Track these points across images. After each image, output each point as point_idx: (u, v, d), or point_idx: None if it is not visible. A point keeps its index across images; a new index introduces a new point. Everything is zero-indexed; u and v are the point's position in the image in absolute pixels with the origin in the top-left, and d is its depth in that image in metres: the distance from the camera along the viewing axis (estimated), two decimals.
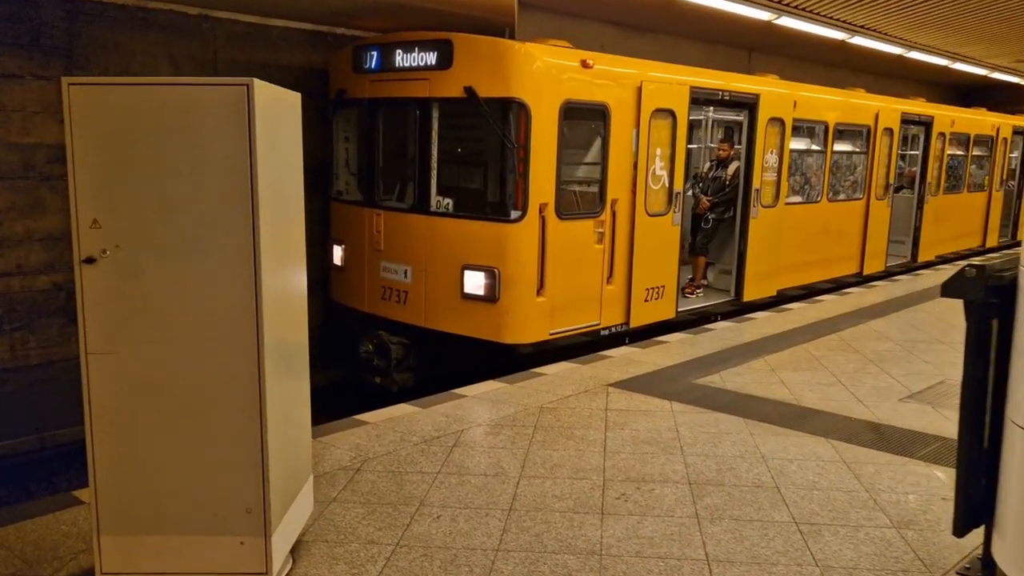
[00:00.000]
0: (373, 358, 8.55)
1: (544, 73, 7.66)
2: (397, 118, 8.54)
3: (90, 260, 3.19)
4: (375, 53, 8.54)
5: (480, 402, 6.45)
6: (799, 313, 10.45)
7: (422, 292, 8.29)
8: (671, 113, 8.89)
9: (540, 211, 7.72)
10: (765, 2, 11.12)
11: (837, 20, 12.45)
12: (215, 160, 3.12)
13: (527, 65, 7.56)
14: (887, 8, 11.98)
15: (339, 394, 9.72)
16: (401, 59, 8.21)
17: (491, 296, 7.79)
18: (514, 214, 7.71)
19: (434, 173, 8.15)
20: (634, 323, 8.89)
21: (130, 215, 3.18)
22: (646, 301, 9.02)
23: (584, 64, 7.91)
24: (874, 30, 13.51)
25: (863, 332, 9.41)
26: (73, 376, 7.46)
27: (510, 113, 7.57)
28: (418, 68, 8.09)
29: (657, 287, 9.12)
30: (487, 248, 7.80)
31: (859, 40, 13.90)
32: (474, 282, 7.87)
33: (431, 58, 7.95)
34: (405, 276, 8.41)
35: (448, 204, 8.12)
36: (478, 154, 8.08)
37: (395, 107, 8.48)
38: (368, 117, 8.73)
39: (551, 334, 8.08)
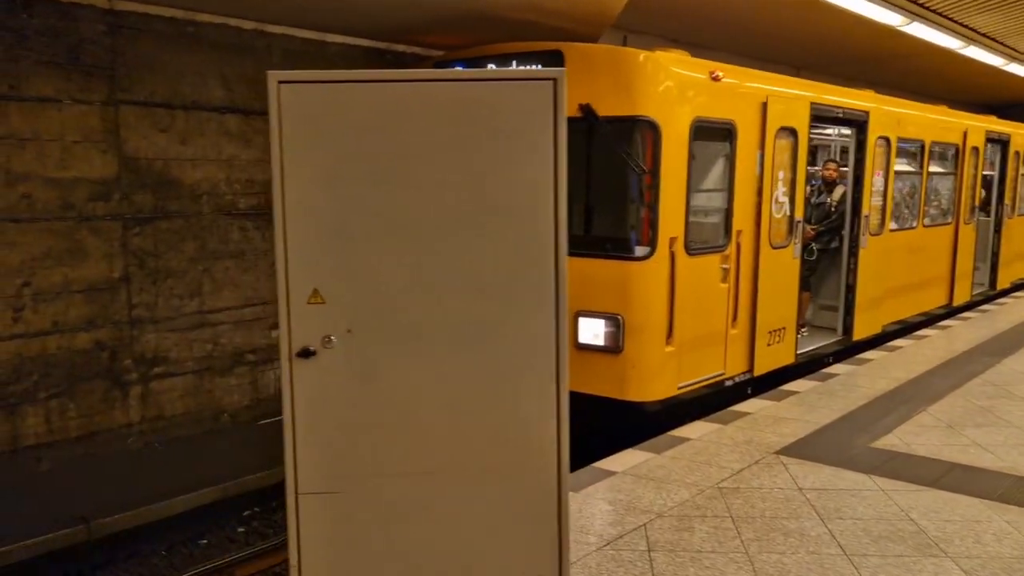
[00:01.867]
0: None
1: (674, 87, 6.62)
2: None
3: (306, 353, 2.08)
4: (460, 66, 7.48)
5: (638, 481, 5.31)
6: (914, 352, 9.40)
7: None
8: (793, 132, 7.88)
9: (669, 246, 6.65)
10: None
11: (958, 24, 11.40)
12: (522, 180, 2.06)
13: (655, 78, 6.52)
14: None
15: None
16: None
17: (614, 346, 6.68)
18: (641, 251, 6.63)
19: None
20: (758, 371, 7.80)
21: (375, 278, 2.09)
22: (768, 345, 7.94)
23: (713, 76, 6.88)
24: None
25: (1005, 374, 8.36)
26: (118, 449, 6.24)
27: (636, 134, 6.51)
28: None
29: (779, 329, 8.04)
30: (608, 291, 6.70)
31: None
32: (592, 331, 6.76)
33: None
34: None
35: None
36: (594, 182, 7.02)
37: None
38: None
39: (679, 388, 6.96)
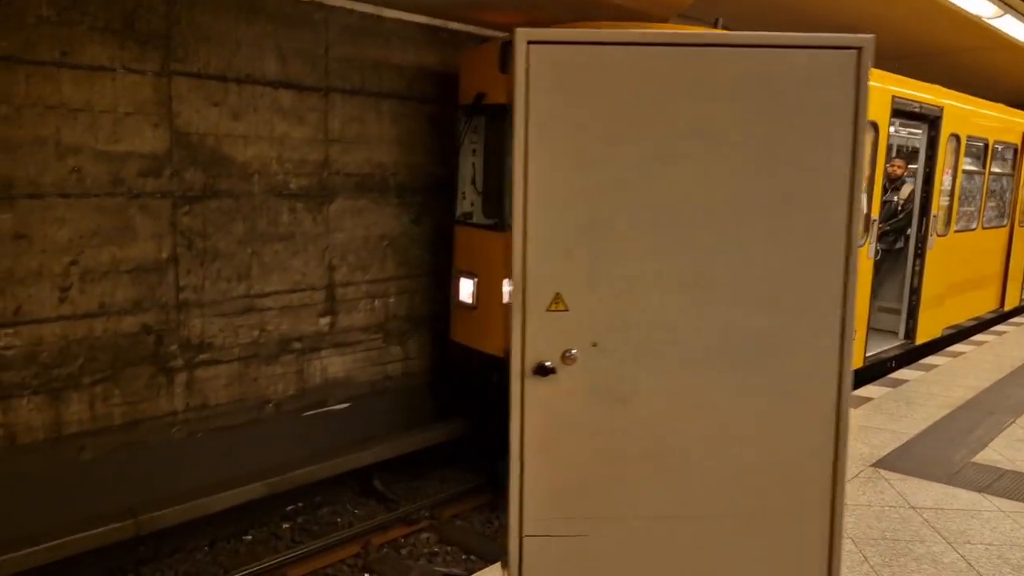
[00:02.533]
0: None
1: None
2: None
3: (543, 370, 1.72)
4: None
5: None
6: (978, 358, 9.06)
7: None
8: (875, 126, 7.50)
9: None
10: None
11: None
12: (813, 167, 1.70)
13: None
14: None
15: (466, 449, 8.24)
16: None
17: None
18: None
19: None
20: None
21: (630, 281, 1.72)
22: None
23: None
24: None
25: None
26: (161, 439, 5.89)
27: None
28: None
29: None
30: None
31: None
32: None
33: None
34: None
35: None
36: None
37: None
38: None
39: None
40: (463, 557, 6.87)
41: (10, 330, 5.89)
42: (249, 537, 7.00)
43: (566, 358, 1.91)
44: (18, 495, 5.86)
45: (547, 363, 1.89)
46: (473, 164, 8.05)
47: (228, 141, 7.04)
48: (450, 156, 8.70)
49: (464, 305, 7.84)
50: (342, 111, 7.89)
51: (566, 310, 1.91)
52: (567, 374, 1.87)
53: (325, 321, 7.93)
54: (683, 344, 1.89)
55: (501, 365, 7.30)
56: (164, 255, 6.69)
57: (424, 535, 7.19)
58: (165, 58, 6.55)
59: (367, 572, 6.57)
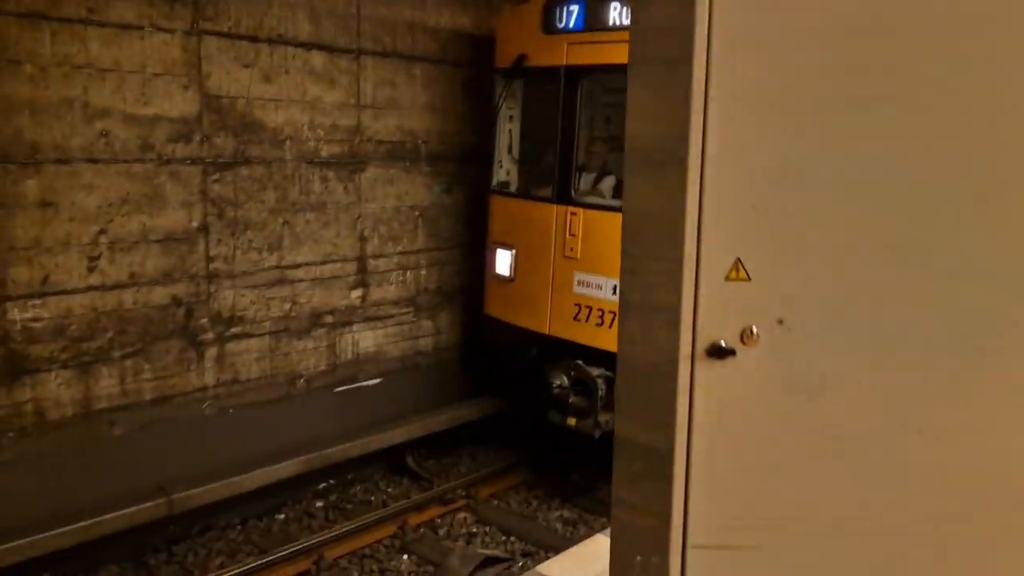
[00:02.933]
0: (569, 394, 6.80)
1: None
2: (613, 91, 6.76)
3: (720, 351, 1.45)
4: (578, 8, 6.74)
5: None
6: None
7: None
8: None
9: None
10: None
11: None
12: None
13: None
14: None
15: (498, 429, 8.02)
16: (626, 15, 6.42)
17: None
18: None
19: None
20: None
21: (827, 246, 1.43)
22: None
23: None
24: None
25: None
26: (192, 414, 5.67)
27: None
28: None
29: None
30: None
31: None
32: None
33: None
34: (614, 293, 6.65)
35: None
36: None
37: (610, 76, 6.68)
38: (566, 90, 6.92)
39: None
40: (502, 538, 6.67)
41: (38, 301, 5.65)
42: (282, 516, 6.80)
43: (746, 337, 1.62)
44: (49, 472, 5.65)
45: (724, 343, 1.60)
46: (510, 131, 7.74)
47: (259, 105, 6.74)
48: (484, 123, 8.39)
49: (501, 278, 7.57)
50: (374, 75, 7.58)
51: (747, 279, 1.61)
52: (746, 356, 1.59)
53: (356, 294, 7.67)
54: (899, 326, 1.58)
55: (541, 340, 7.06)
56: (194, 224, 6.43)
57: (461, 515, 6.98)
58: (195, 16, 6.24)
59: (405, 553, 6.38)
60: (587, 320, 6.84)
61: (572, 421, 6.83)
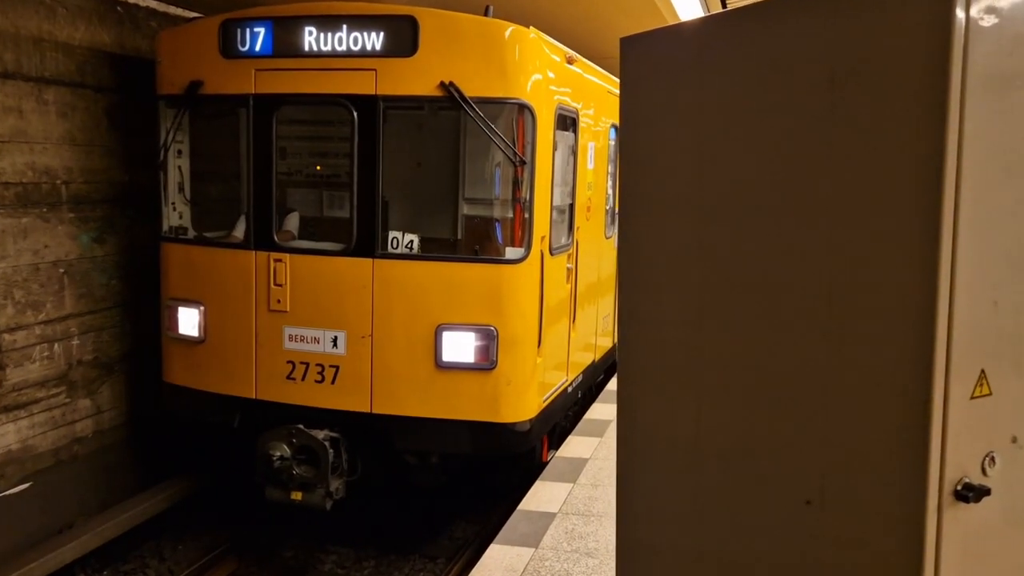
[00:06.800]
0: (292, 465, 5.96)
1: (544, 69, 5.95)
2: (311, 123, 6.09)
3: (974, 493, 1.09)
4: (264, 31, 5.97)
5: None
6: None
7: (366, 366, 5.96)
8: None
9: (540, 246, 5.99)
10: None
11: None
12: None
13: (528, 56, 5.78)
14: None
15: (204, 511, 6.85)
16: (322, 41, 5.82)
17: (486, 363, 5.83)
18: (514, 253, 5.86)
19: (381, 201, 5.90)
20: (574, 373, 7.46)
21: None
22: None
23: (569, 60, 6.36)
24: None
25: None
26: None
27: (512, 120, 5.72)
28: (353, 55, 5.79)
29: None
30: (477, 299, 5.83)
31: None
32: (458, 347, 5.83)
33: (377, 41, 5.73)
34: (334, 345, 6.00)
35: (412, 243, 5.92)
36: (457, 174, 6.03)
37: (308, 108, 6.01)
38: (257, 122, 6.07)
39: (544, 401, 6.35)
40: None
41: None
42: None
43: (987, 466, 1.27)
44: None
45: (971, 480, 1.22)
46: (179, 168, 6.64)
47: None
48: (139, 159, 7.13)
49: (186, 339, 6.43)
50: None
51: (989, 394, 1.27)
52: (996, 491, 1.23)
53: None
54: None
55: (246, 406, 6.11)
56: None
57: None
58: None
59: None
60: (303, 378, 6.08)
61: (298, 496, 6.01)
